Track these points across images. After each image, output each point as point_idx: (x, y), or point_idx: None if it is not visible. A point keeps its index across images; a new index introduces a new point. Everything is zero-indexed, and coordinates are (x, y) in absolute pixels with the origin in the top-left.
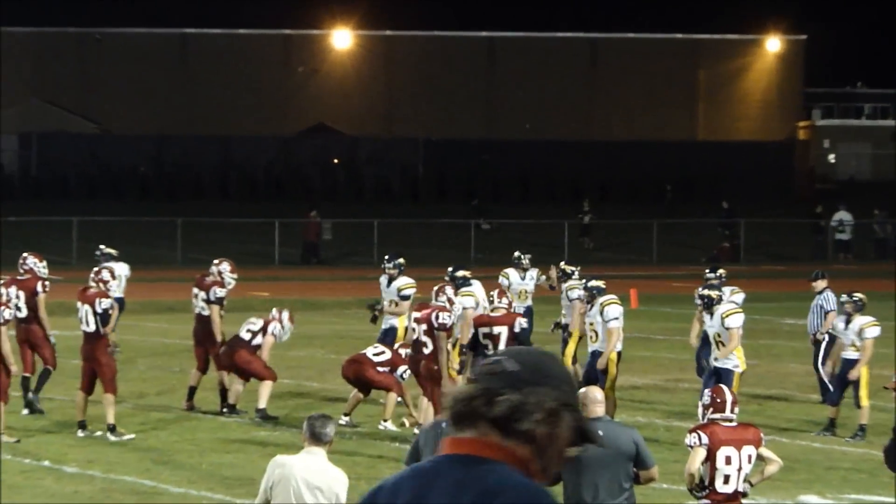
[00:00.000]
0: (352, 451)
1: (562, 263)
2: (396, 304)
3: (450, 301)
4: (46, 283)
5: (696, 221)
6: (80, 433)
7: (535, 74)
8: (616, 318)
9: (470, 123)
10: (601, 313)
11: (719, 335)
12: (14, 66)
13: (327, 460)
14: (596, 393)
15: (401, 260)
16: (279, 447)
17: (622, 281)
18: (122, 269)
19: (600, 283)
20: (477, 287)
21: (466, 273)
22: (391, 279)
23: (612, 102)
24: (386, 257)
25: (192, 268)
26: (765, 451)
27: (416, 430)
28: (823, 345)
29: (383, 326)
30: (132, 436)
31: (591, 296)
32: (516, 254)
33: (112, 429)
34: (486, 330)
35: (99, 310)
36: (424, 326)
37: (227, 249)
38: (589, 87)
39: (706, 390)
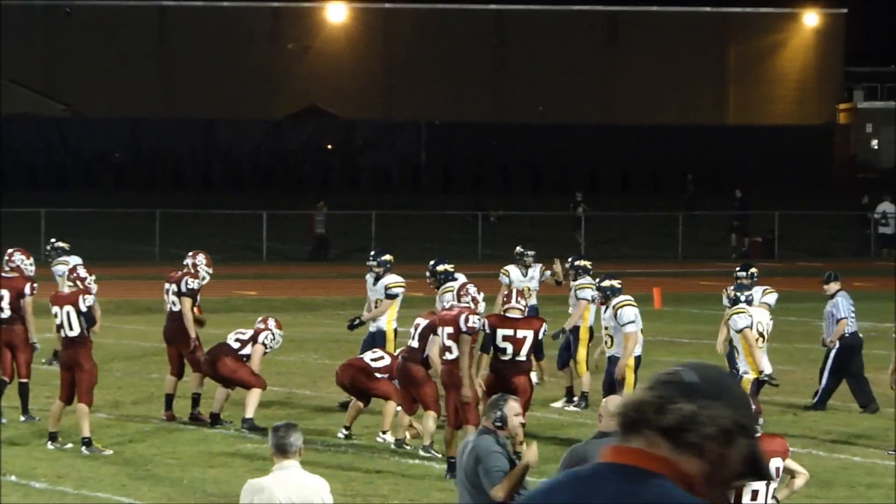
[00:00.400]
0: (347, 466)
1: (572, 259)
2: (378, 304)
3: (475, 301)
4: (35, 284)
5: (725, 214)
6: (50, 445)
7: (549, 51)
8: (632, 322)
9: (477, 106)
10: (616, 316)
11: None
12: None
13: (302, 470)
14: (615, 404)
15: (387, 257)
16: (267, 461)
17: (644, 279)
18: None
19: (615, 283)
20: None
21: (448, 267)
22: (377, 277)
23: (632, 83)
24: (372, 253)
25: (172, 264)
26: (791, 464)
27: (421, 446)
28: (833, 353)
29: (370, 329)
30: (110, 451)
31: (605, 297)
32: (518, 248)
33: (87, 442)
34: (507, 332)
35: (83, 308)
36: (450, 329)
37: (210, 244)
38: (607, 66)
39: None
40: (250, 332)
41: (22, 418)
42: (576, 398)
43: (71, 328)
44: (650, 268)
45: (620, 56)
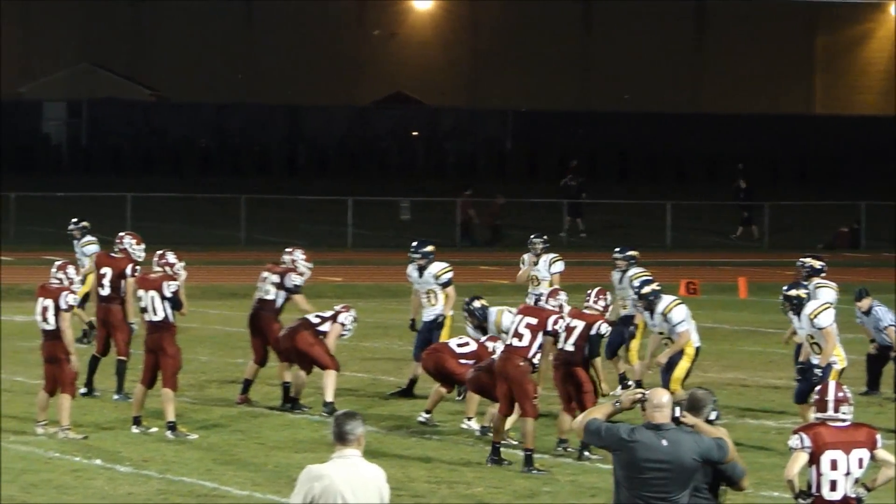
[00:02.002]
0: (432, 453)
1: (620, 249)
2: (434, 295)
3: (561, 308)
4: (137, 266)
5: (812, 204)
6: (135, 429)
7: (636, 40)
8: (683, 321)
9: (563, 94)
10: (666, 320)
11: (812, 336)
12: (62, 27)
13: (362, 459)
14: (662, 396)
15: (430, 248)
16: None
17: (730, 268)
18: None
19: (654, 287)
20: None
21: (484, 302)
22: (422, 268)
23: (720, 72)
24: (413, 245)
25: (257, 249)
26: (881, 454)
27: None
28: None
29: (425, 319)
30: (194, 436)
31: (649, 303)
32: (532, 237)
33: (172, 427)
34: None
35: (167, 294)
36: (533, 321)
37: (294, 230)
38: (695, 55)
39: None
40: (331, 312)
41: (115, 396)
42: (631, 383)
43: (155, 313)
44: (735, 257)
45: (708, 45)
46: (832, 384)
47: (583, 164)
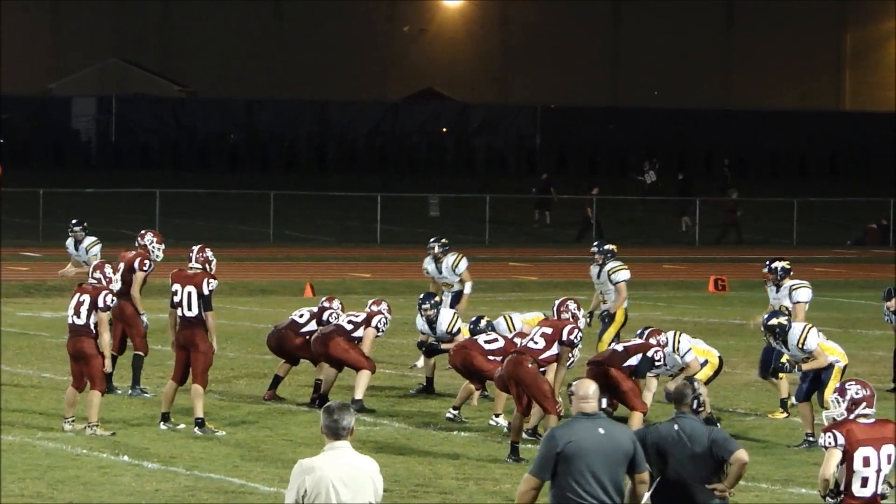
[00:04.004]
0: (460, 449)
1: (599, 243)
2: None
3: (574, 317)
4: (146, 262)
5: (841, 201)
6: (163, 426)
7: (665, 36)
8: (816, 345)
9: (592, 89)
10: (803, 350)
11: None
12: (92, 23)
13: (353, 451)
14: (589, 387)
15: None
16: (379, 443)
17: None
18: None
19: (781, 320)
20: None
21: (489, 319)
22: (438, 262)
23: (749, 67)
24: (432, 239)
25: (285, 245)
26: None
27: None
28: None
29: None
30: (222, 432)
31: (776, 336)
32: (430, 241)
33: (201, 423)
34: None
35: (206, 292)
36: (549, 331)
37: (323, 226)
38: (724, 50)
39: (849, 384)
40: (363, 315)
41: (129, 392)
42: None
43: (189, 308)
44: (764, 253)
45: (737, 41)
46: (855, 382)
47: (612, 160)
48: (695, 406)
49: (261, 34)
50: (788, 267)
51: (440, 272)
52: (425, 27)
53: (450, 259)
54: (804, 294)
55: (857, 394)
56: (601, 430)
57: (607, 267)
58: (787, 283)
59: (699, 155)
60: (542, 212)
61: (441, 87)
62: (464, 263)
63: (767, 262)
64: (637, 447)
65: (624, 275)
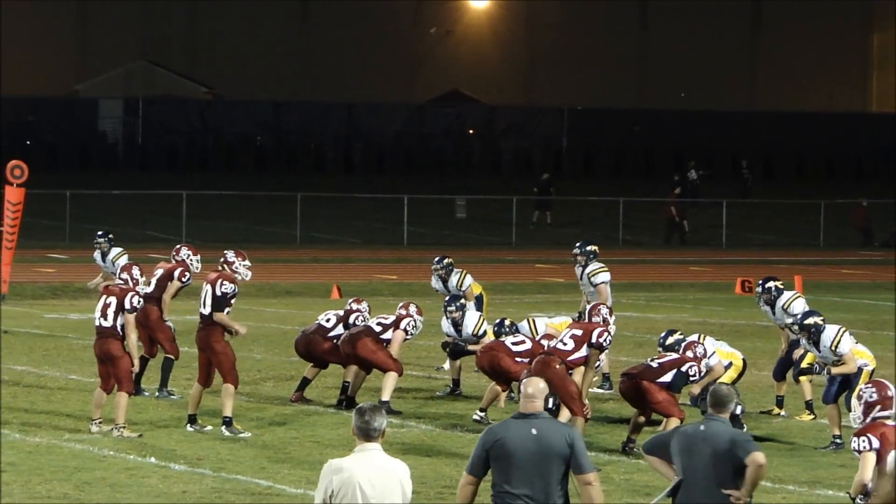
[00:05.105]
0: None
1: (581, 244)
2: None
3: (605, 321)
4: (186, 273)
5: (869, 202)
6: (190, 428)
7: (691, 38)
8: (848, 350)
9: (619, 91)
10: (836, 354)
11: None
12: (118, 25)
13: (383, 453)
14: (537, 385)
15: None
16: (406, 445)
17: (785, 266)
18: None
19: (817, 319)
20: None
21: (514, 320)
22: (444, 281)
23: (775, 69)
24: (434, 260)
25: (312, 247)
26: None
27: None
28: None
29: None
30: (248, 434)
31: (811, 335)
32: (434, 261)
33: (228, 422)
34: None
35: (218, 292)
36: (579, 333)
37: (350, 228)
38: (750, 53)
39: (864, 387)
40: (392, 318)
41: (157, 394)
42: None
43: (204, 306)
44: (791, 255)
45: (764, 43)
46: (872, 385)
47: (638, 162)
48: (738, 412)
49: (288, 36)
50: (782, 287)
51: (448, 291)
52: (452, 29)
53: (454, 279)
54: (799, 306)
55: (871, 397)
56: (533, 431)
57: (588, 269)
58: (780, 301)
59: (725, 157)
60: (542, 212)
61: (467, 89)
62: (468, 280)
63: (760, 282)
64: (575, 449)
65: (604, 276)
